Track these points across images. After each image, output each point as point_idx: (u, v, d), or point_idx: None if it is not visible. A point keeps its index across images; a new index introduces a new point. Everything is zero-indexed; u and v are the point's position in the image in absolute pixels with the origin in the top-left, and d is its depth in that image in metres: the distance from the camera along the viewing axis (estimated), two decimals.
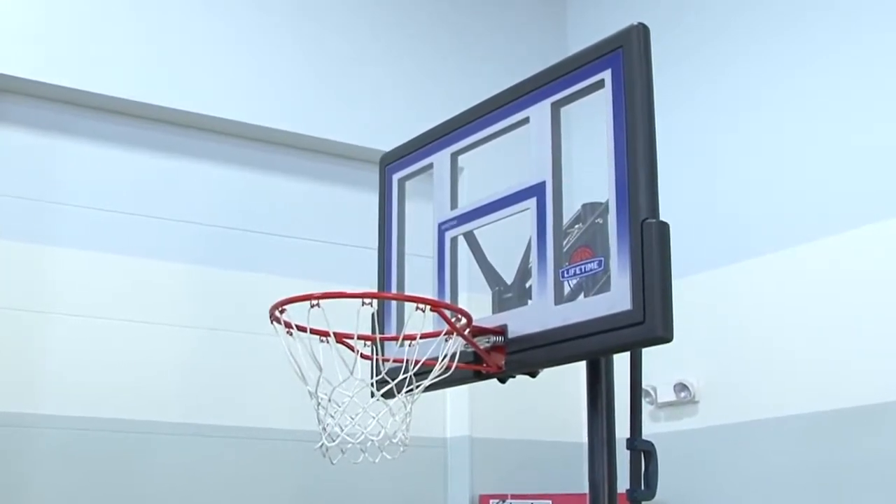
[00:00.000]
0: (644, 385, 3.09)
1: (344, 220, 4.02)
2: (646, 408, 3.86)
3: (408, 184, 2.53)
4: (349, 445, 1.97)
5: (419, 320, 1.97)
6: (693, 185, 3.89)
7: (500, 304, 2.24)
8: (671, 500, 3.56)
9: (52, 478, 3.28)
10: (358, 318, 1.89)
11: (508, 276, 2.24)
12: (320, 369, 1.95)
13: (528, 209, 2.10)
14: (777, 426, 3.42)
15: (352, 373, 1.94)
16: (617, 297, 1.85)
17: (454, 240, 2.32)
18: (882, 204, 3.21)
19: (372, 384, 2.08)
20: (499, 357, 2.09)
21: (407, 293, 2.39)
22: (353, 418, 1.99)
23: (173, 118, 3.72)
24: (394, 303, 2.42)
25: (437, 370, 1.97)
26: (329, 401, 1.97)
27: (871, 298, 3.19)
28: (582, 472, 3.96)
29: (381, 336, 2.27)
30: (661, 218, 1.83)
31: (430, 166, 2.42)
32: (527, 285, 2.17)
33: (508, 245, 2.28)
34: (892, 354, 3.11)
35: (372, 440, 1.96)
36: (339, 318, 1.90)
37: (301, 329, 1.96)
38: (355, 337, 2.01)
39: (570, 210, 2.16)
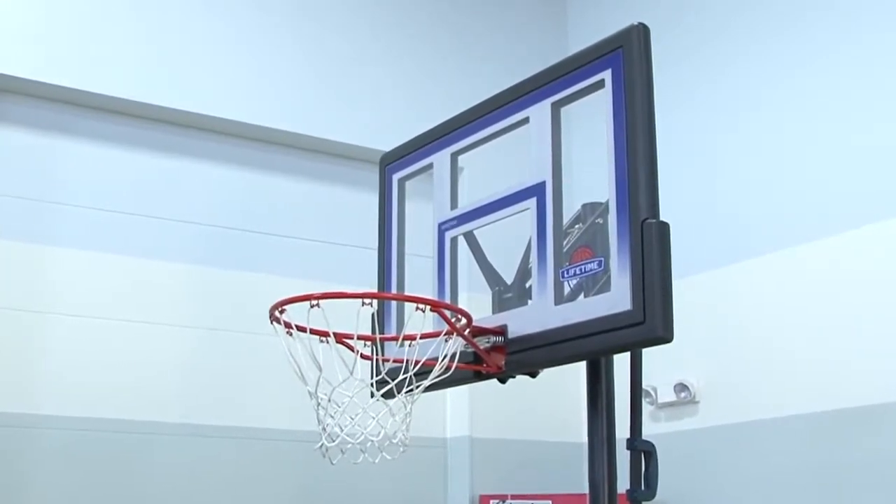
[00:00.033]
0: (644, 385, 3.09)
1: (344, 220, 4.01)
2: (646, 408, 3.86)
3: (408, 184, 2.53)
4: (349, 446, 1.97)
5: (419, 320, 1.97)
6: (693, 185, 3.89)
7: (500, 305, 2.23)
8: (671, 501, 3.56)
9: (51, 478, 3.28)
10: (358, 318, 1.89)
11: (508, 276, 2.24)
12: (320, 369, 1.95)
13: (528, 209, 2.10)
14: (777, 426, 3.42)
15: (352, 373, 1.94)
16: (617, 298, 1.85)
17: (454, 240, 2.32)
18: (882, 204, 3.21)
19: (372, 384, 2.08)
20: (499, 357, 2.09)
21: (407, 293, 2.39)
22: (352, 418, 1.98)
23: (173, 118, 3.72)
24: (394, 303, 2.42)
25: (437, 370, 1.97)
26: (329, 401, 1.97)
27: (871, 298, 3.19)
28: (582, 473, 3.96)
29: (381, 336, 2.27)
30: (661, 218, 1.83)
31: (430, 166, 2.41)
32: (527, 285, 2.16)
33: (508, 245, 2.28)
34: (892, 354, 3.11)
35: (372, 440, 1.96)
36: (338, 318, 1.90)
37: (301, 329, 1.96)
38: (355, 337, 2.00)
39: (570, 210, 2.15)
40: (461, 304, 2.14)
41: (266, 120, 3.83)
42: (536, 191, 2.09)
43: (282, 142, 3.95)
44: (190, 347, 3.61)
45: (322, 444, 1.99)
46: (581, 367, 2.15)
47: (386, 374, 2.00)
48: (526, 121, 2.16)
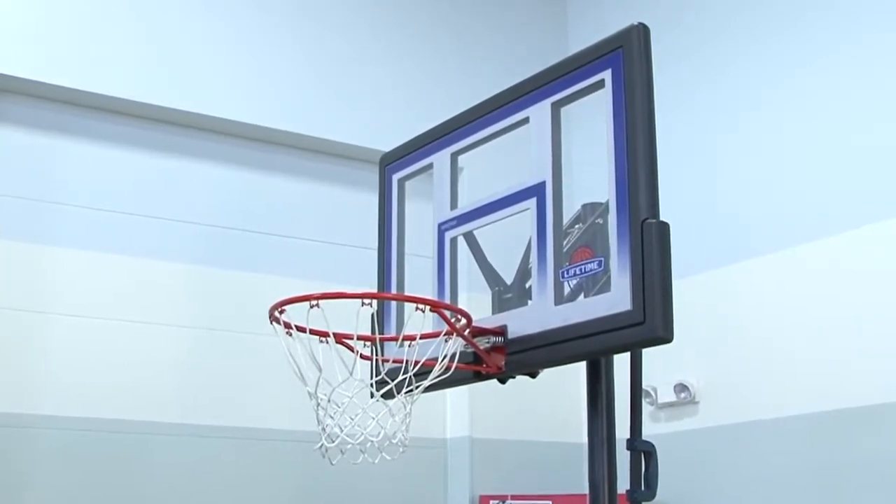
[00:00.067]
0: (644, 385, 3.08)
1: (344, 220, 4.01)
2: (646, 408, 3.86)
3: (408, 184, 2.53)
4: (349, 446, 1.97)
5: (419, 321, 1.97)
6: (693, 185, 3.89)
7: (499, 305, 2.23)
8: (671, 501, 3.56)
9: (50, 478, 3.28)
10: (357, 318, 1.88)
11: (508, 277, 2.24)
12: (320, 370, 1.95)
13: (528, 209, 2.10)
14: (777, 427, 3.42)
15: (351, 373, 1.94)
16: (617, 298, 1.84)
17: (454, 240, 2.32)
18: (882, 204, 3.21)
19: (371, 385, 2.08)
20: (499, 357, 2.09)
21: (407, 293, 2.39)
22: (352, 419, 1.98)
23: (173, 118, 3.72)
24: (393, 303, 2.42)
25: (436, 371, 1.96)
26: (328, 401, 1.97)
27: (871, 298, 3.19)
28: (582, 473, 3.96)
29: (381, 336, 2.27)
30: (661, 218, 1.83)
31: (430, 166, 2.41)
32: (527, 285, 2.16)
33: (508, 245, 2.28)
34: (892, 354, 3.10)
35: (371, 441, 1.96)
36: (338, 318, 1.90)
37: (300, 329, 1.96)
38: (355, 337, 2.00)
39: (570, 210, 2.15)
40: (461, 305, 2.14)
41: (266, 120, 3.83)
42: (536, 191, 2.08)
43: (282, 142, 3.94)
44: (189, 347, 3.61)
45: (322, 445, 1.98)
46: (581, 368, 2.15)
47: (386, 374, 2.00)
48: (526, 121, 2.16)
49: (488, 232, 2.26)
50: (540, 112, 2.12)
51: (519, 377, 2.16)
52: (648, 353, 2.13)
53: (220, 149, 3.84)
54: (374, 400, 2.01)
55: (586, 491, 2.08)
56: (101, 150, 3.62)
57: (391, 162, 2.55)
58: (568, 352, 1.96)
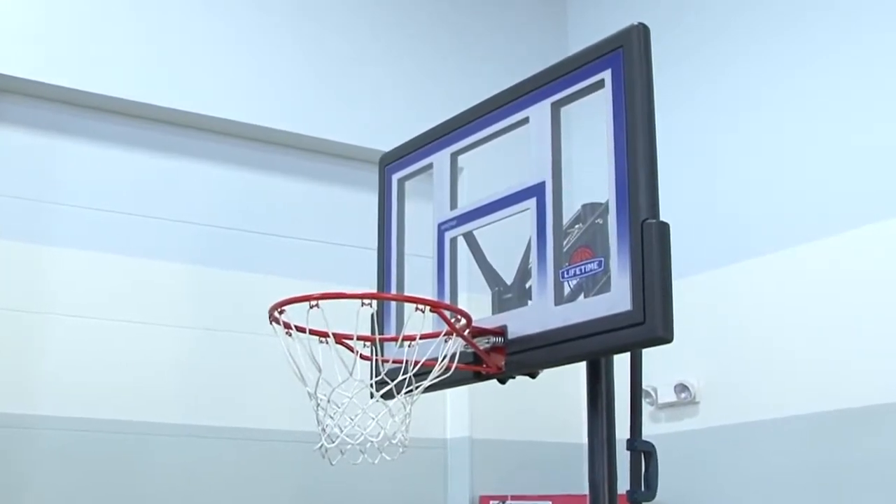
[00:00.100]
0: (644, 386, 3.08)
1: (343, 220, 4.01)
2: (646, 408, 3.86)
3: (407, 184, 2.52)
4: (348, 446, 1.96)
5: (419, 321, 1.97)
6: (693, 185, 3.88)
7: (499, 305, 2.23)
8: (671, 501, 3.56)
9: (50, 479, 3.28)
10: (357, 318, 1.88)
11: (508, 277, 2.23)
12: (319, 370, 1.95)
13: (527, 209, 2.10)
14: (777, 427, 3.42)
15: (351, 374, 1.93)
16: (617, 298, 1.84)
17: (454, 240, 2.31)
18: (882, 204, 3.21)
19: (371, 385, 2.08)
20: (499, 358, 2.09)
21: (406, 294, 2.39)
22: (352, 419, 1.98)
23: (173, 118, 3.72)
24: (393, 303, 2.41)
25: (436, 371, 1.96)
26: (328, 402, 1.97)
27: (871, 298, 3.19)
28: (582, 473, 3.96)
29: (381, 337, 2.26)
30: (661, 218, 1.83)
31: (430, 166, 2.41)
32: (527, 286, 2.16)
33: (508, 245, 2.28)
34: (892, 354, 3.10)
35: (371, 441, 1.96)
36: (338, 318, 1.89)
37: (300, 330, 1.95)
38: (355, 338, 2.00)
39: (570, 210, 2.15)
40: (461, 305, 2.13)
41: (266, 120, 3.83)
42: (536, 191, 2.08)
43: (281, 142, 3.94)
44: (189, 348, 3.60)
45: (321, 445, 1.98)
46: (581, 368, 2.14)
47: (385, 374, 2.00)
48: (526, 121, 2.16)
49: (488, 232, 2.26)
50: (540, 112, 2.12)
51: (519, 377, 2.16)
52: (648, 354, 2.13)
53: (220, 149, 3.84)
54: (373, 400, 2.01)
55: (586, 491, 2.08)
56: (101, 150, 3.61)
57: (391, 162, 2.55)
58: (568, 352, 1.96)
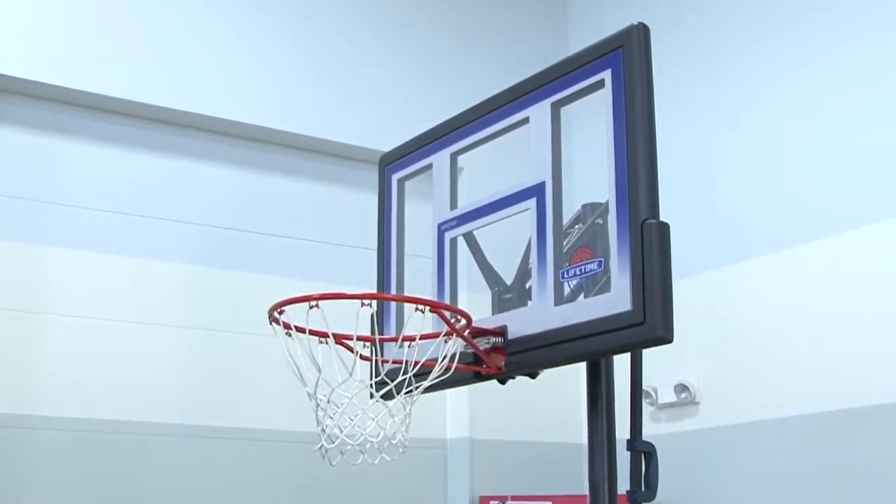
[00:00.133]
0: (644, 386, 3.08)
1: (343, 220, 4.01)
2: (646, 409, 3.86)
3: (407, 184, 2.52)
4: (348, 447, 1.96)
5: (418, 321, 1.97)
6: (693, 185, 3.88)
7: (499, 305, 2.23)
8: (672, 502, 3.56)
9: (49, 479, 3.28)
10: (357, 319, 1.88)
11: (508, 277, 2.23)
12: (319, 370, 1.94)
13: (527, 209, 2.10)
14: (777, 427, 3.42)
15: (351, 374, 1.93)
16: (617, 298, 1.84)
17: (454, 240, 2.31)
18: (882, 204, 3.20)
19: (371, 385, 2.08)
20: (498, 358, 2.09)
21: (406, 294, 2.39)
22: (352, 420, 1.98)
23: (172, 118, 3.72)
24: (393, 303, 2.41)
25: (436, 371, 1.96)
26: (328, 402, 1.97)
27: (871, 298, 3.19)
28: (582, 474, 3.96)
29: (381, 337, 2.26)
30: (662, 218, 1.83)
31: (430, 166, 2.41)
32: (527, 286, 2.16)
33: (508, 245, 2.27)
34: (892, 354, 3.10)
35: (371, 442, 1.96)
36: (338, 318, 1.89)
37: (300, 330, 1.95)
38: (354, 338, 2.00)
39: (570, 210, 2.15)
40: (461, 305, 2.13)
41: (265, 120, 3.83)
42: (536, 191, 2.08)
43: (281, 142, 3.94)
44: (188, 348, 3.60)
45: (321, 446, 1.98)
46: (581, 368, 2.14)
47: (385, 375, 2.00)
48: (526, 121, 2.16)
49: (488, 232, 2.26)
50: (540, 112, 2.12)
51: (519, 378, 2.16)
52: (648, 354, 2.12)
53: (219, 149, 3.84)
54: (373, 401, 2.01)
55: (586, 492, 2.08)
56: (100, 150, 3.61)
57: (391, 162, 2.55)
58: (568, 352, 1.95)
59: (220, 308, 3.69)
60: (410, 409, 2.00)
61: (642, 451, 2.09)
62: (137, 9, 3.65)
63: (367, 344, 2.10)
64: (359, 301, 1.89)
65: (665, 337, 1.77)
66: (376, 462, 2.04)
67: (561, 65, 2.09)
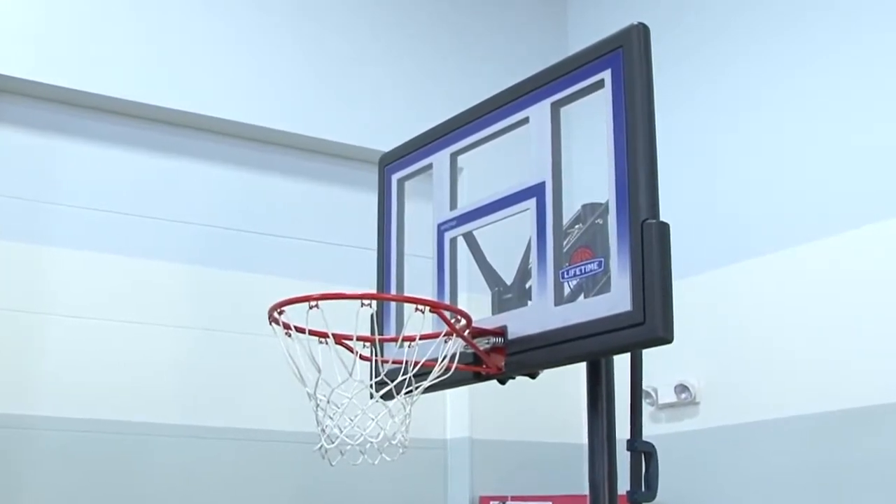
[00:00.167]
0: (644, 386, 3.08)
1: (343, 220, 4.01)
2: (646, 409, 3.86)
3: (407, 184, 2.52)
4: (348, 447, 1.96)
5: (418, 321, 1.97)
6: (693, 185, 3.88)
7: (499, 305, 2.23)
8: (672, 502, 3.56)
9: (49, 479, 3.28)
10: (357, 319, 1.88)
11: (508, 277, 2.23)
12: (319, 371, 1.94)
13: (527, 209, 2.10)
14: (778, 427, 3.41)
15: (351, 374, 1.93)
16: (617, 298, 1.84)
17: (454, 240, 2.31)
18: (882, 204, 3.20)
19: (371, 385, 2.07)
20: (498, 358, 2.09)
21: (406, 294, 2.39)
22: (352, 420, 1.98)
23: (172, 118, 3.72)
24: (393, 304, 2.41)
25: (436, 371, 1.96)
26: (328, 402, 1.97)
27: (871, 298, 3.19)
28: (582, 474, 3.96)
29: (381, 337, 2.26)
30: (662, 218, 1.83)
31: (430, 166, 2.41)
32: (527, 286, 2.16)
33: (508, 245, 2.27)
34: (892, 354, 3.10)
35: (371, 442, 1.96)
36: (337, 319, 1.89)
37: (300, 330, 1.95)
38: (354, 338, 2.00)
39: (570, 210, 2.15)
40: (461, 305, 2.13)
41: (265, 120, 3.83)
42: (536, 191, 2.08)
43: (281, 142, 3.94)
44: (188, 348, 3.60)
45: (321, 446, 1.98)
46: (581, 368, 2.14)
47: (385, 375, 1.99)
48: (526, 121, 2.16)
49: (488, 232, 2.25)
50: (540, 112, 2.11)
51: (519, 378, 2.16)
52: (649, 354, 2.12)
53: (219, 149, 3.84)
54: (373, 401, 2.01)
55: (587, 492, 2.08)
56: (100, 150, 3.61)
57: (391, 162, 2.54)
58: (568, 352, 1.95)
59: (220, 308, 3.69)
60: (410, 410, 2.00)
61: (642, 452, 2.09)
62: (137, 9, 3.65)
63: (367, 344, 2.10)
64: (359, 301, 1.89)
65: (665, 337, 1.77)
66: (376, 462, 2.04)
67: (561, 65, 2.09)
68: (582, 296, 2.05)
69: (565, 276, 2.03)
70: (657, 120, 1.88)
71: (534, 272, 2.06)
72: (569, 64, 2.06)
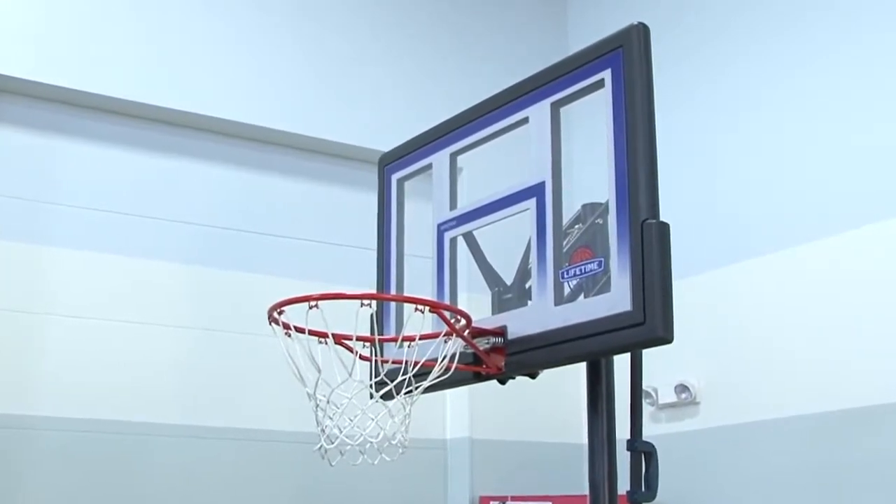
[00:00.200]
0: (645, 386, 3.08)
1: (343, 220, 4.01)
2: (646, 409, 3.85)
3: (407, 184, 2.52)
4: (348, 447, 1.96)
5: (418, 321, 1.97)
6: (693, 185, 3.88)
7: (499, 305, 2.23)
8: (672, 502, 3.55)
9: (49, 479, 3.28)
10: (357, 319, 1.88)
11: (508, 277, 2.23)
12: (319, 371, 1.94)
13: (527, 209, 2.09)
14: (778, 427, 3.41)
15: (350, 374, 1.93)
16: (617, 298, 1.84)
17: (453, 240, 2.31)
18: (882, 204, 3.20)
19: (371, 385, 2.07)
20: (498, 358, 2.09)
21: (406, 294, 2.39)
22: (351, 420, 1.98)
23: (172, 118, 3.72)
24: (393, 304, 2.41)
25: (436, 371, 1.96)
26: (328, 402, 1.97)
27: (871, 298, 3.19)
28: (582, 474, 3.95)
29: (380, 337, 2.26)
30: (662, 218, 1.83)
31: (430, 166, 2.41)
32: (526, 286, 2.16)
33: (508, 245, 2.27)
34: (892, 354, 3.10)
35: (371, 442, 1.96)
36: (337, 319, 1.89)
37: (299, 330, 1.95)
38: (354, 338, 2.00)
39: (570, 210, 2.15)
40: (461, 305, 2.13)
41: (265, 120, 3.83)
42: (536, 191, 2.08)
43: (281, 142, 3.94)
44: (188, 348, 3.60)
45: (321, 446, 1.98)
46: (581, 368, 2.14)
47: (385, 375, 1.99)
48: (525, 121, 2.16)
49: (488, 232, 2.25)
50: (540, 112, 2.11)
51: (519, 378, 2.16)
52: (649, 354, 2.12)
53: (219, 149, 3.84)
54: (373, 401, 2.01)
55: (587, 492, 2.07)
56: (99, 150, 3.61)
57: (390, 162, 2.54)
58: (568, 352, 1.95)
59: (220, 308, 3.69)
60: (410, 410, 2.00)
61: (642, 452, 2.08)
62: (137, 9, 3.65)
63: (367, 344, 2.09)
64: (358, 301, 1.89)
65: (665, 337, 1.77)
66: (376, 462, 2.04)
67: (561, 65, 2.08)
68: (582, 296, 2.05)
69: (565, 276, 2.03)
70: (657, 120, 1.88)
71: (534, 272, 2.06)
72: (569, 64, 2.06)
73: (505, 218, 2.17)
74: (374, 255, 2.54)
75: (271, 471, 3.65)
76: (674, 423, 3.81)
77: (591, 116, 2.38)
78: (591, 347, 1.91)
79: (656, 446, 2.10)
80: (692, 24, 4.03)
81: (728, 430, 3.60)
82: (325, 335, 1.94)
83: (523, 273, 2.19)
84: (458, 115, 2.35)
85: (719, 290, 3.71)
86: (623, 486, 2.05)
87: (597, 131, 2.06)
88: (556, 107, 2.09)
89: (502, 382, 2.18)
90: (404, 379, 1.95)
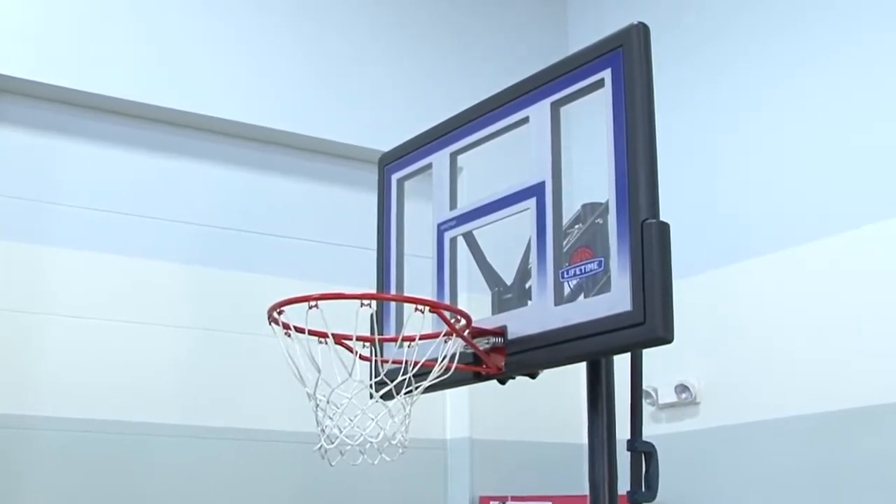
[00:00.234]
0: (645, 386, 3.08)
1: (343, 220, 4.01)
2: (646, 409, 3.85)
3: (407, 184, 2.52)
4: (348, 447, 1.96)
5: (418, 321, 1.97)
6: (693, 185, 3.88)
7: (499, 305, 2.23)
8: (672, 502, 3.55)
9: (49, 479, 3.28)
10: (357, 319, 1.88)
11: (508, 277, 2.23)
12: (319, 371, 1.94)
13: (527, 209, 2.09)
14: (778, 427, 3.41)
15: (350, 374, 1.93)
16: (617, 298, 1.84)
17: (453, 240, 2.31)
18: (882, 204, 3.20)
19: (371, 385, 2.07)
20: (498, 358, 2.09)
21: (406, 294, 2.39)
22: (351, 420, 1.98)
23: (172, 118, 3.71)
24: (393, 304, 2.41)
25: (436, 371, 1.96)
26: (328, 402, 1.97)
27: (871, 298, 3.18)
28: (582, 474, 3.95)
29: (380, 337, 2.26)
30: (662, 218, 1.83)
31: (430, 166, 2.41)
32: (526, 286, 2.16)
33: (508, 245, 2.27)
34: (892, 354, 3.10)
35: (371, 442, 1.96)
36: (337, 319, 1.89)
37: (299, 330, 1.95)
38: (354, 338, 2.00)
39: (570, 210, 2.15)
40: (461, 305, 2.13)
41: (265, 120, 3.83)
42: (536, 191, 2.08)
43: (281, 142, 3.94)
44: (188, 348, 3.60)
45: (321, 446, 1.98)
46: (581, 368, 2.14)
47: (385, 375, 1.99)
48: (525, 120, 2.16)
49: (488, 232, 2.25)
50: (540, 112, 2.11)
51: (519, 378, 2.16)
52: (649, 354, 2.12)
53: (219, 149, 3.84)
54: (373, 401, 2.01)
55: (587, 492, 2.07)
56: (100, 150, 3.61)
57: (390, 162, 2.54)
58: (568, 352, 1.95)
59: (220, 308, 3.69)
60: (410, 410, 2.00)
61: (643, 452, 2.09)
62: (137, 9, 3.65)
63: (367, 344, 2.09)
64: (358, 301, 1.89)
65: (665, 337, 1.77)
66: (376, 462, 2.04)
67: (561, 64, 2.09)
68: (582, 296, 2.05)
69: (565, 275, 2.03)
70: (657, 120, 1.88)
71: (534, 272, 2.06)
72: (569, 63, 2.06)
73: (505, 218, 2.17)
74: (374, 255, 2.54)
75: (271, 471, 3.65)
76: (674, 423, 3.81)
77: (591, 116, 2.38)
78: (591, 347, 1.91)
79: (656, 446, 2.10)
80: (692, 24, 4.03)
81: (728, 430, 3.60)
82: (325, 335, 1.94)
83: (523, 273, 2.19)
84: (458, 115, 2.35)
85: (719, 290, 3.71)
86: (623, 486, 2.05)
87: (597, 131, 2.06)
88: (556, 106, 2.09)
89: (502, 382, 2.18)
90: (404, 379, 1.95)
